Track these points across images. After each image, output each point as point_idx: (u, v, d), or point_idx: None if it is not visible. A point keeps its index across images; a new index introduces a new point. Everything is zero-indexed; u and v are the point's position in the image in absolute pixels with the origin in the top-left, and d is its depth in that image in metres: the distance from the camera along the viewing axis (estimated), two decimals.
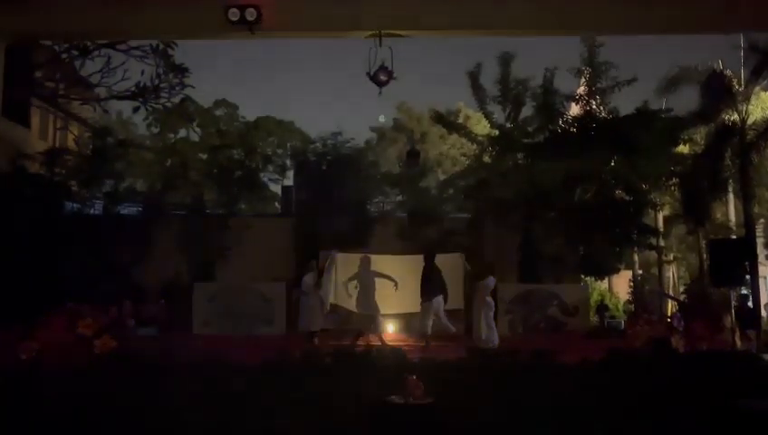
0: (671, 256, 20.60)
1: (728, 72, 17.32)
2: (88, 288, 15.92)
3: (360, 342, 11.16)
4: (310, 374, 7.67)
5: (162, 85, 15.01)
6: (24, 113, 21.38)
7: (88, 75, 15.74)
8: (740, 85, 17.27)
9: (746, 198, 16.09)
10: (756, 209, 16.57)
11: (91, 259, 16.16)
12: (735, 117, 16.92)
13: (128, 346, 8.40)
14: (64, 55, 14.71)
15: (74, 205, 16.72)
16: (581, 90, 16.63)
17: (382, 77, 9.61)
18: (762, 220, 20.93)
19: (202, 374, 7.59)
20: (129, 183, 18.90)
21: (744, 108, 16.80)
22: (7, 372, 7.53)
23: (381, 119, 19.84)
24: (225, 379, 7.57)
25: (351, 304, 13.34)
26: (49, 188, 16.00)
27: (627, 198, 15.77)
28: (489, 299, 11.48)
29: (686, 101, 18.00)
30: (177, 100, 15.38)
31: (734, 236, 17.49)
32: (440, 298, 11.50)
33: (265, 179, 22.59)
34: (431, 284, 11.42)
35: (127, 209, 17.50)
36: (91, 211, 17.16)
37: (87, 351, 7.95)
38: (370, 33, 9.83)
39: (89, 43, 14.11)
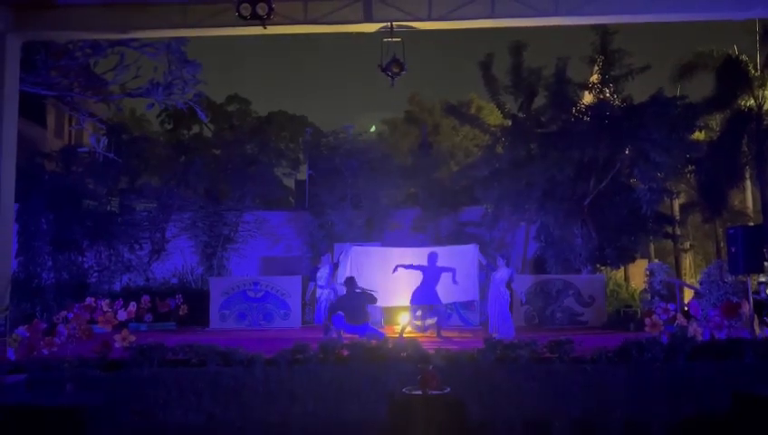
0: (687, 245, 20.45)
1: (744, 58, 17.12)
2: (106, 283, 16.20)
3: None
4: (326, 366, 7.72)
5: (175, 81, 15.05)
6: (40, 112, 21.64)
7: (102, 73, 15.85)
8: (756, 70, 17.06)
9: (764, 184, 15.93)
10: None
11: (109, 255, 16.38)
12: (752, 102, 16.74)
13: (146, 340, 8.49)
14: (78, 53, 14.80)
15: (91, 201, 16.91)
16: (594, 78, 16.49)
17: (394, 69, 9.62)
18: None
19: (219, 368, 7.67)
20: (144, 179, 19.06)
21: (761, 93, 16.61)
22: (30, 367, 7.65)
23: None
24: (243, 372, 7.64)
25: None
26: (66, 185, 16.18)
27: (642, 186, 15.66)
28: (504, 290, 11.47)
29: (701, 87, 17.83)
30: (190, 96, 15.42)
31: (752, 224, 17.31)
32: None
33: (279, 174, 22.72)
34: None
35: (142, 205, 17.65)
36: (108, 208, 17.34)
37: (107, 345, 8.04)
38: (381, 25, 9.85)
39: (102, 41, 14.18)
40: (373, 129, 20.30)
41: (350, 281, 10.65)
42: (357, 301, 10.32)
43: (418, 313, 12.24)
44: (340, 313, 10.33)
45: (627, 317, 13.60)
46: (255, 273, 17.18)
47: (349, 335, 10.12)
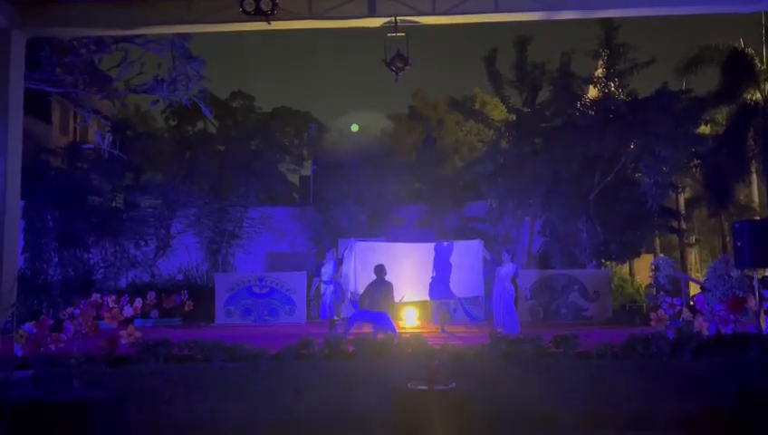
0: (693, 239, 20.39)
1: (750, 51, 17.03)
2: (112, 280, 16.26)
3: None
4: (332, 362, 7.73)
5: (179, 78, 15.03)
6: (45, 109, 21.70)
7: (106, 69, 15.86)
8: (762, 64, 16.97)
9: None
10: None
11: (115, 251, 16.42)
12: (758, 96, 16.65)
13: (152, 336, 8.52)
14: (82, 50, 14.80)
15: (96, 198, 16.96)
16: (599, 72, 16.43)
17: (398, 64, 9.59)
18: None
19: (224, 363, 7.69)
20: (149, 176, 19.10)
21: (767, 86, 16.52)
22: (37, 363, 7.68)
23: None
24: (248, 367, 7.66)
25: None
26: (71, 181, 16.23)
27: (647, 180, 15.61)
28: (509, 285, 11.46)
29: (706, 80, 17.76)
30: (194, 92, 15.40)
31: (758, 218, 17.24)
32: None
33: (283, 170, 22.68)
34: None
35: (147, 202, 17.70)
36: (113, 204, 17.39)
37: (113, 341, 8.07)
38: (386, 20, 9.81)
39: (106, 38, 14.19)
40: (355, 128, 20.13)
41: (380, 268, 10.67)
42: (382, 288, 10.38)
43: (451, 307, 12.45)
44: (366, 300, 10.45)
45: (632, 312, 13.59)
46: (260, 268, 17.24)
47: (353, 330, 10.16)
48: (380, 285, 10.41)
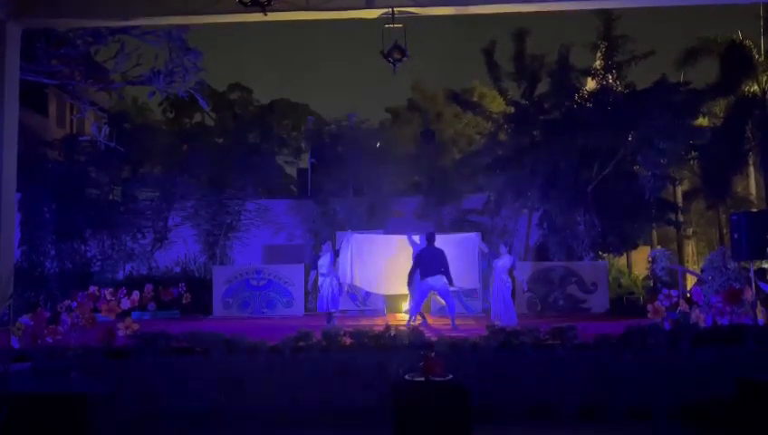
0: (690, 231, 20.41)
1: (748, 43, 17.00)
2: (110, 272, 16.24)
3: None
4: (329, 354, 7.74)
5: (176, 69, 14.96)
6: (41, 101, 21.59)
7: (103, 61, 15.79)
8: (760, 56, 16.95)
9: (767, 170, 15.84)
10: None
11: (112, 244, 16.40)
12: (756, 88, 16.64)
13: (150, 329, 8.52)
14: (78, 42, 14.72)
15: (93, 190, 16.92)
16: (597, 64, 16.40)
17: (396, 55, 9.54)
18: None
19: (222, 355, 7.70)
20: (147, 168, 19.04)
21: (765, 79, 16.50)
22: (34, 355, 7.68)
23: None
24: (246, 360, 7.67)
25: (370, 285, 13.48)
26: (68, 174, 16.18)
27: (645, 173, 15.60)
28: (506, 278, 11.47)
29: (705, 73, 17.73)
30: (191, 84, 15.34)
31: (755, 210, 17.26)
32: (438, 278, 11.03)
33: (281, 162, 22.62)
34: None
35: (145, 194, 17.66)
36: (110, 197, 17.35)
37: (110, 333, 8.07)
38: (383, 11, 9.75)
39: (102, 29, 14.10)
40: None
41: (431, 235, 11.39)
42: (432, 255, 10.99)
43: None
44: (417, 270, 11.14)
45: (629, 304, 13.61)
46: (258, 261, 17.23)
47: (351, 322, 10.23)
48: (432, 251, 11.00)
